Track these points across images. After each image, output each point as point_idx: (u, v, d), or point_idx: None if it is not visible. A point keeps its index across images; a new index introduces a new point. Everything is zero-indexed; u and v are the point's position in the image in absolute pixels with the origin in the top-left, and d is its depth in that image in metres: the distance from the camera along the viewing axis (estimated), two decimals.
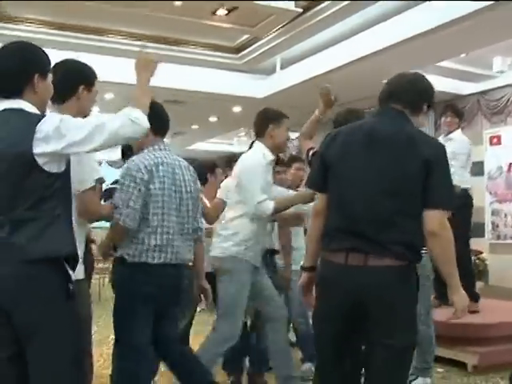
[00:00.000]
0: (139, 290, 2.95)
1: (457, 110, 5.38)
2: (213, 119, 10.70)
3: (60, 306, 2.19)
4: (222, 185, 4.24)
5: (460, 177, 5.04)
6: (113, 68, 7.92)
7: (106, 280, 9.55)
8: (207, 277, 3.54)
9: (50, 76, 2.32)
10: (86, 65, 2.76)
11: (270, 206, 3.47)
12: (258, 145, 3.68)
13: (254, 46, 7.36)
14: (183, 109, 9.69)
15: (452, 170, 4.93)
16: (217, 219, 3.90)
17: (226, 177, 4.68)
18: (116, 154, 11.74)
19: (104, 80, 8.03)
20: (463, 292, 2.34)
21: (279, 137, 3.67)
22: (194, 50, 7.64)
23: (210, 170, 5.12)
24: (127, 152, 3.70)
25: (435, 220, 2.25)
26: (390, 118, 2.41)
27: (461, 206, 5.10)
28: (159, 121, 3.07)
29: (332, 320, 2.36)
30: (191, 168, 3.24)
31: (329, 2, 5.87)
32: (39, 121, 2.14)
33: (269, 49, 7.25)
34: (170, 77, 8.28)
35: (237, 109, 9.67)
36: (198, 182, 3.30)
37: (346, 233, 2.31)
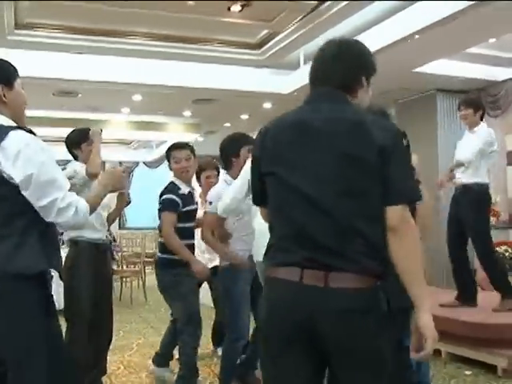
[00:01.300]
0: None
1: (468, 100, 5.19)
2: (244, 117, 10.63)
3: (34, 324, 2.15)
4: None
5: (476, 171, 4.87)
6: (138, 69, 7.96)
7: (138, 283, 9.60)
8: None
9: (19, 82, 2.33)
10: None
11: None
12: None
13: (273, 41, 7.22)
14: (214, 107, 9.69)
15: (476, 164, 4.74)
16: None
17: None
18: (152, 155, 11.92)
19: (130, 82, 8.18)
20: (429, 315, 1.85)
21: None
22: (217, 48, 7.57)
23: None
24: None
25: (395, 214, 1.84)
26: (324, 102, 2.00)
27: (478, 202, 4.91)
28: None
29: (279, 353, 1.91)
30: None
31: None
32: (6, 135, 2.12)
33: (289, 43, 7.10)
34: (198, 76, 8.28)
35: (267, 105, 9.58)
36: None
37: (297, 243, 1.88)
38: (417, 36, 6.23)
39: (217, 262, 4.59)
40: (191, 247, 4.21)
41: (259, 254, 3.67)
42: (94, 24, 6.77)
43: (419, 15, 6.05)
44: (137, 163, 14.98)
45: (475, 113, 5.02)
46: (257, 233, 3.92)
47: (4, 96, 2.26)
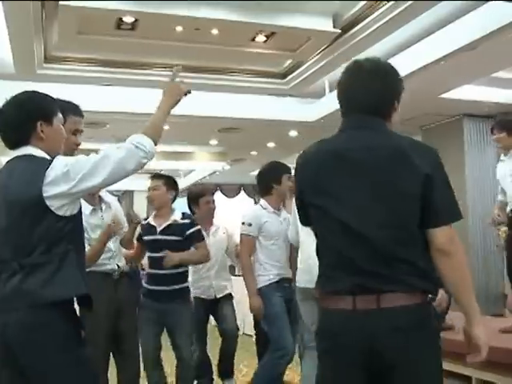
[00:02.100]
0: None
1: (501, 122, 5.10)
2: (270, 145, 10.67)
3: (69, 354, 2.15)
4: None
5: None
6: None
7: None
8: None
9: (60, 118, 2.36)
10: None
11: None
12: None
13: (299, 71, 7.24)
14: (240, 136, 9.74)
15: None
16: None
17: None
18: (180, 184, 11.88)
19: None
20: (482, 325, 1.97)
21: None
22: (242, 78, 7.63)
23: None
24: None
25: (445, 236, 1.91)
26: (361, 130, 2.02)
27: None
28: None
29: (344, 378, 1.97)
30: None
31: (368, 20, 5.69)
32: (48, 165, 2.18)
33: (314, 72, 7.12)
34: (224, 105, 8.35)
35: (293, 133, 9.61)
36: None
37: (345, 271, 1.95)
38: (443, 62, 6.21)
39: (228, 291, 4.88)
40: (158, 277, 4.23)
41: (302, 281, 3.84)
42: (121, 56, 6.88)
43: (445, 41, 6.04)
44: None
45: (509, 135, 4.91)
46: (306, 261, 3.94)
47: (42, 132, 2.29)
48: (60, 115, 2.40)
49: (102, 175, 2.19)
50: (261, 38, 6.16)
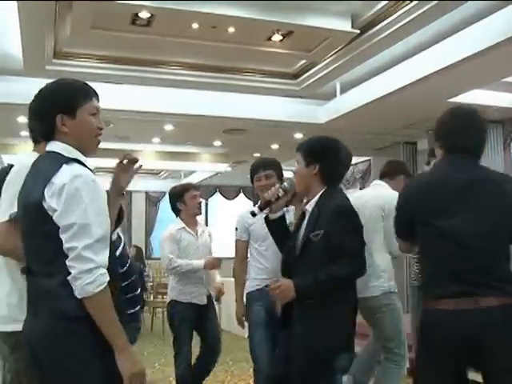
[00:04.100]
0: None
1: None
2: (274, 147, 10.60)
3: (94, 363, 2.02)
4: None
5: None
6: (170, 99, 7.98)
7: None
8: None
9: (86, 109, 2.20)
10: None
11: None
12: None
13: (311, 71, 7.19)
14: (244, 137, 9.68)
15: None
16: None
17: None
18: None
19: (163, 111, 8.21)
20: None
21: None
22: (252, 78, 7.57)
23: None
24: None
25: None
26: (464, 165, 2.58)
27: None
28: None
29: (444, 368, 2.43)
30: None
31: (387, 21, 5.65)
32: (59, 169, 2.03)
33: (327, 73, 7.08)
34: (230, 106, 8.29)
35: (298, 135, 9.54)
36: None
37: (449, 279, 2.42)
38: (454, 67, 6.17)
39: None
40: None
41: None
42: (134, 53, 6.82)
43: (457, 46, 6.02)
44: (164, 193, 14.99)
45: None
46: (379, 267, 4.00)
47: (64, 126, 2.14)
48: (88, 105, 2.20)
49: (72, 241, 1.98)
50: (277, 38, 6.10)
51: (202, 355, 4.76)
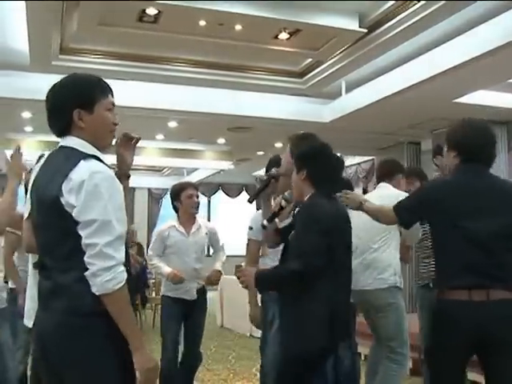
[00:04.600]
0: None
1: None
2: (278, 145, 10.59)
3: (108, 359, 2.02)
4: None
5: None
6: (175, 96, 7.98)
7: None
8: None
9: (103, 104, 2.17)
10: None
11: None
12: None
13: (317, 70, 7.20)
14: (248, 135, 9.66)
15: None
16: None
17: None
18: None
19: (167, 108, 8.20)
20: None
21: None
22: (258, 76, 7.57)
23: None
24: None
25: None
26: (481, 173, 2.91)
27: None
28: None
29: (456, 353, 2.72)
30: None
31: (395, 21, 5.64)
32: (76, 164, 2.00)
33: (333, 72, 7.08)
34: (235, 103, 8.28)
35: None
36: None
37: (465, 271, 2.69)
38: (461, 67, 6.17)
39: None
40: None
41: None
42: (140, 50, 6.82)
43: (465, 46, 6.01)
44: (166, 190, 15.00)
45: None
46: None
47: (81, 120, 2.11)
48: (105, 100, 2.17)
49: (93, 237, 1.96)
50: (284, 36, 6.10)
51: (183, 354, 4.77)
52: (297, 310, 2.78)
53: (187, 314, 4.69)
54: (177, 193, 4.73)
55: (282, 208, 3.14)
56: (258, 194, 3.29)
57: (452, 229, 2.78)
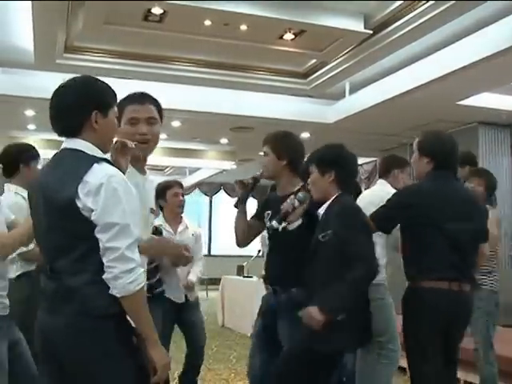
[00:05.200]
0: None
1: None
2: None
3: (117, 363, 2.02)
4: None
5: None
6: (179, 96, 7.98)
7: None
8: None
9: (115, 111, 2.18)
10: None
11: None
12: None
13: (321, 71, 7.21)
14: (251, 136, 9.66)
15: None
16: None
17: None
18: (184, 181, 11.56)
19: (170, 108, 8.21)
20: None
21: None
22: (262, 76, 7.57)
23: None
24: None
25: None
26: (451, 180, 3.22)
27: None
28: None
29: (435, 332, 3.07)
30: None
31: (401, 22, 5.64)
32: (90, 167, 2.00)
33: (337, 73, 7.09)
34: (238, 104, 8.28)
35: (305, 135, 9.53)
36: None
37: (449, 267, 3.07)
38: (468, 68, 6.17)
39: None
40: None
41: None
42: (145, 49, 6.82)
43: (473, 47, 6.02)
44: None
45: None
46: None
47: (96, 122, 2.10)
48: (115, 107, 2.19)
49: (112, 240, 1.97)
50: (289, 36, 6.11)
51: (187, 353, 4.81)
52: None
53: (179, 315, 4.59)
54: (162, 191, 4.60)
55: (294, 209, 3.16)
56: (246, 198, 3.39)
57: (438, 231, 3.07)
